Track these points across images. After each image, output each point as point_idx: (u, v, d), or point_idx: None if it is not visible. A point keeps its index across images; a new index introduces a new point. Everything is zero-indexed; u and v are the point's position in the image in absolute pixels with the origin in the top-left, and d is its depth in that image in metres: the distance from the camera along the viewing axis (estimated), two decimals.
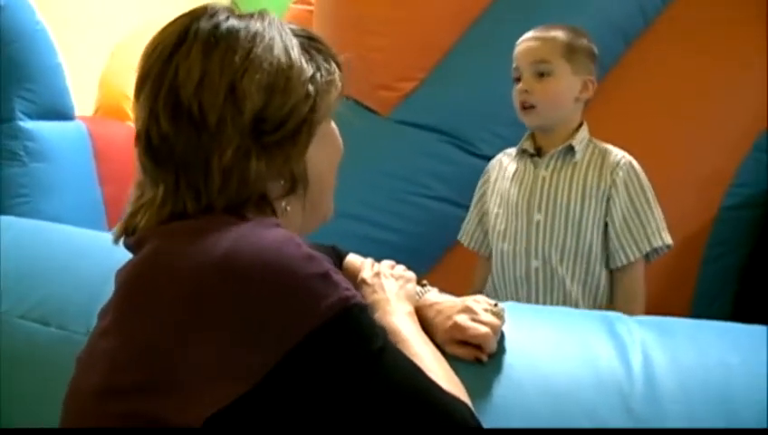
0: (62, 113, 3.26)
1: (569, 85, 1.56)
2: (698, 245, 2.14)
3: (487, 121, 2.01)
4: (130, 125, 3.82)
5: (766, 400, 0.81)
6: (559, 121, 1.59)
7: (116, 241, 0.83)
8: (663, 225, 1.54)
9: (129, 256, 1.12)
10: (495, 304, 0.92)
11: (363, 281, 1.00)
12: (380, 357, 0.71)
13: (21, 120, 3.02)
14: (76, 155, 3.29)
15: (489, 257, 1.68)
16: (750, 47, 2.11)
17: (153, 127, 0.79)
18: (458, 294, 1.27)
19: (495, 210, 1.65)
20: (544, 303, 1.54)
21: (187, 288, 0.70)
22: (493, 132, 2.00)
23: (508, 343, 0.91)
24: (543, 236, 1.54)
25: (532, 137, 1.65)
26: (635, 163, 1.56)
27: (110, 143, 3.51)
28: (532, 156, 1.62)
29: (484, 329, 0.88)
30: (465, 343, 0.89)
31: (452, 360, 0.87)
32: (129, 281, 0.76)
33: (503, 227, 1.62)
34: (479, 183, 1.74)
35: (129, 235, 0.81)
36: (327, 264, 0.72)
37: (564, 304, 1.52)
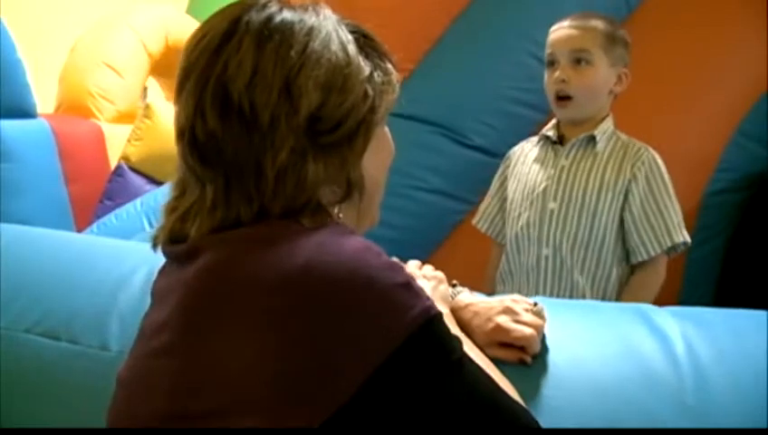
0: (24, 111, 3.14)
1: (605, 77, 1.55)
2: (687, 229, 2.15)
3: (479, 112, 2.00)
4: (94, 122, 3.71)
5: None
6: (592, 114, 1.58)
7: (155, 247, 0.77)
8: (682, 221, 1.54)
9: (142, 264, 1.08)
10: (535, 304, 0.90)
11: None
12: (461, 366, 0.69)
13: None
14: (40, 154, 3.19)
15: (504, 246, 1.67)
16: (733, 32, 2.13)
17: (199, 123, 0.73)
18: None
19: (512, 195, 1.64)
20: (551, 292, 1.54)
21: (266, 302, 0.65)
22: (485, 123, 1.99)
23: (549, 342, 0.89)
24: (556, 225, 1.54)
25: (557, 125, 1.63)
26: (658, 158, 1.56)
27: (75, 141, 3.41)
28: (554, 143, 1.61)
29: (528, 330, 0.87)
30: (507, 344, 0.87)
31: (494, 362, 0.85)
32: (189, 296, 0.70)
33: (517, 212, 1.61)
34: (500, 169, 1.72)
35: (177, 241, 0.75)
36: (407, 272, 0.69)
37: (571, 295, 1.52)
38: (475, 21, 2.02)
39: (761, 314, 0.96)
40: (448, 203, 1.93)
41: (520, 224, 1.60)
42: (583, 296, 1.51)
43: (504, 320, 0.88)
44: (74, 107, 3.77)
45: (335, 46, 0.75)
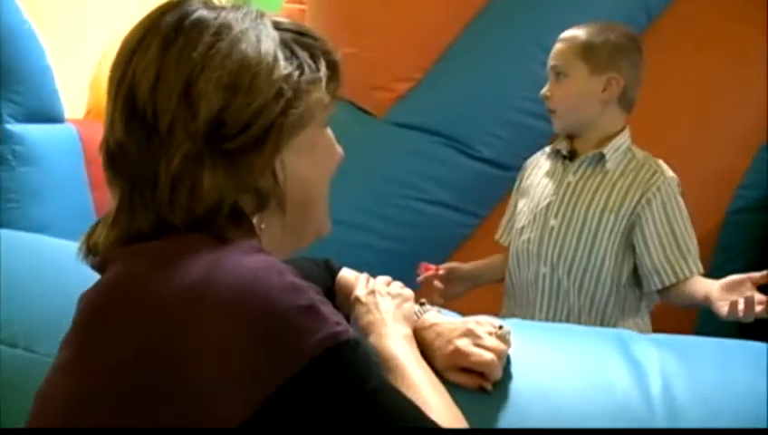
0: (52, 116, 3.18)
1: (585, 86, 1.50)
2: (707, 250, 2.06)
3: (486, 123, 1.95)
4: None
5: None
6: (585, 125, 1.52)
7: (80, 259, 0.75)
8: (697, 251, 1.46)
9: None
10: (500, 327, 0.84)
11: (357, 299, 0.92)
12: (376, 398, 0.63)
13: (8, 123, 2.96)
14: (66, 158, 3.22)
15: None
16: (758, 47, 2.04)
17: (110, 133, 0.71)
18: (460, 303, 1.19)
19: (520, 208, 1.60)
20: (548, 311, 1.48)
21: (154, 322, 0.62)
22: (492, 134, 1.94)
23: (515, 368, 0.83)
24: (554, 244, 1.48)
25: (570, 138, 1.57)
26: (674, 183, 1.48)
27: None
28: (564, 158, 1.56)
29: (488, 355, 0.80)
30: (467, 369, 0.82)
31: (453, 388, 0.80)
32: (89, 310, 0.68)
33: (520, 225, 1.57)
34: (517, 181, 1.68)
35: (93, 254, 0.73)
36: (314, 295, 0.64)
37: (568, 316, 1.45)
38: (484, 30, 1.97)
39: (756, 345, 0.89)
40: (453, 215, 1.88)
41: (522, 239, 1.55)
42: (579, 320, 1.43)
43: (465, 343, 0.82)
44: (103, 113, 3.82)
45: (246, 44, 0.70)
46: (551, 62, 1.53)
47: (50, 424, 0.66)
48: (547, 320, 1.49)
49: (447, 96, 1.98)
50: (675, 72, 2.08)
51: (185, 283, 0.62)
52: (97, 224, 0.73)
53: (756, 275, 1.28)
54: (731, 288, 1.27)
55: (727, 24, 2.08)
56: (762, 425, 0.74)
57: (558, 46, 1.53)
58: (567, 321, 1.47)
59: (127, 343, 0.63)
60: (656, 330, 1.54)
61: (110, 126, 0.71)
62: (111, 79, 0.73)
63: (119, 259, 0.69)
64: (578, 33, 1.52)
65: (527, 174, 1.63)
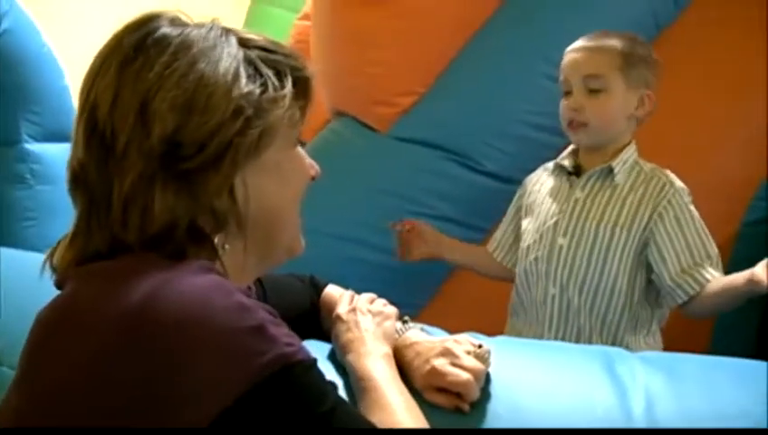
0: (69, 135, 3.21)
1: (624, 102, 1.42)
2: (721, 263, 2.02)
3: (491, 137, 1.92)
4: None
5: None
6: (609, 140, 1.45)
7: (42, 275, 0.75)
8: (718, 254, 1.40)
9: None
10: (480, 346, 0.82)
11: (338, 317, 0.91)
12: (328, 422, 0.62)
13: (27, 142, 3.02)
14: None
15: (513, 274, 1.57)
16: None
17: (74, 153, 0.73)
18: (463, 320, 1.17)
19: (525, 226, 1.55)
20: (557, 331, 1.43)
21: (95, 343, 0.62)
22: (497, 148, 1.91)
23: (494, 388, 0.81)
24: (564, 263, 1.43)
25: (574, 153, 1.51)
26: (684, 191, 1.42)
27: None
28: (570, 174, 1.49)
29: (465, 376, 0.78)
30: (444, 389, 0.80)
31: (430, 408, 0.78)
32: (41, 328, 0.69)
33: (526, 244, 1.51)
34: (516, 196, 1.62)
35: (54, 271, 0.74)
36: (263, 314, 0.63)
37: (578, 336, 1.41)
38: (488, 43, 1.95)
39: (745, 363, 0.86)
40: (456, 230, 1.85)
41: (529, 258, 1.50)
42: (590, 340, 1.39)
43: (442, 363, 0.80)
44: None
45: (204, 63, 0.70)
46: (578, 71, 1.42)
47: None
48: (556, 340, 1.45)
49: (450, 110, 1.96)
50: (687, 80, 2.04)
51: (129, 304, 0.62)
52: (58, 243, 0.74)
53: None
54: None
55: (738, 31, 2.03)
56: None
57: (587, 56, 1.43)
58: (577, 341, 1.42)
59: (71, 362, 0.63)
60: (670, 348, 1.49)
61: (75, 146, 0.72)
62: (79, 99, 0.74)
63: (74, 278, 0.70)
64: (611, 42, 1.43)
65: (527, 191, 1.58)
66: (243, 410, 0.59)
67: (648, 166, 1.47)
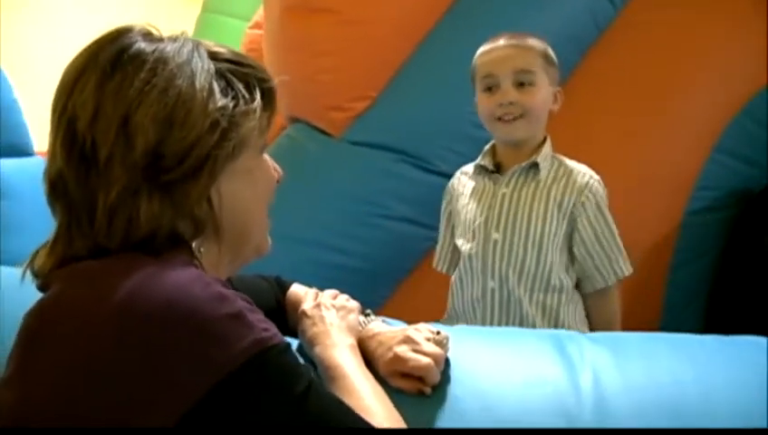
0: (21, 150, 3.20)
1: (546, 97, 1.50)
2: (666, 251, 2.11)
3: (443, 138, 1.98)
4: None
5: (720, 415, 0.78)
6: (536, 133, 1.52)
7: (23, 280, 0.77)
8: (624, 251, 1.50)
9: None
10: (438, 332, 0.88)
11: (303, 313, 0.96)
12: (304, 401, 0.66)
13: None
14: (38, 191, 3.21)
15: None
16: (710, 45, 2.10)
17: (52, 163, 0.75)
18: (422, 316, 1.22)
19: (455, 232, 1.59)
20: (499, 324, 1.48)
21: (84, 337, 0.65)
22: (449, 149, 1.97)
23: (453, 372, 0.86)
24: (501, 256, 1.48)
25: (492, 153, 1.57)
26: (600, 184, 1.50)
27: None
28: (491, 172, 1.55)
29: (425, 360, 0.84)
30: (407, 375, 0.85)
31: (395, 393, 0.83)
32: (29, 327, 0.71)
33: (459, 246, 1.56)
34: (443, 205, 1.66)
35: (36, 277, 0.76)
36: (241, 303, 0.67)
37: (521, 325, 1.47)
38: (436, 47, 2.01)
39: (681, 337, 0.93)
40: (415, 230, 1.91)
41: (463, 258, 1.54)
42: (533, 326, 1.46)
43: (403, 350, 0.85)
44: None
45: (181, 79, 0.74)
46: (508, 67, 1.48)
47: None
48: None
49: (404, 113, 2.01)
50: (626, 75, 2.13)
51: (115, 299, 0.65)
52: (38, 250, 0.76)
53: None
54: None
55: (680, 26, 2.12)
56: (682, 413, 0.78)
57: (516, 53, 1.49)
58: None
59: (61, 359, 0.66)
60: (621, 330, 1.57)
61: (52, 156, 0.75)
62: (53, 110, 0.76)
63: (58, 279, 0.72)
64: (534, 42, 1.52)
65: (452, 197, 1.62)
66: (226, 393, 0.63)
67: (565, 160, 1.54)
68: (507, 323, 1.47)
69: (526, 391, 0.83)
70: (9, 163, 3.11)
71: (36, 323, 0.71)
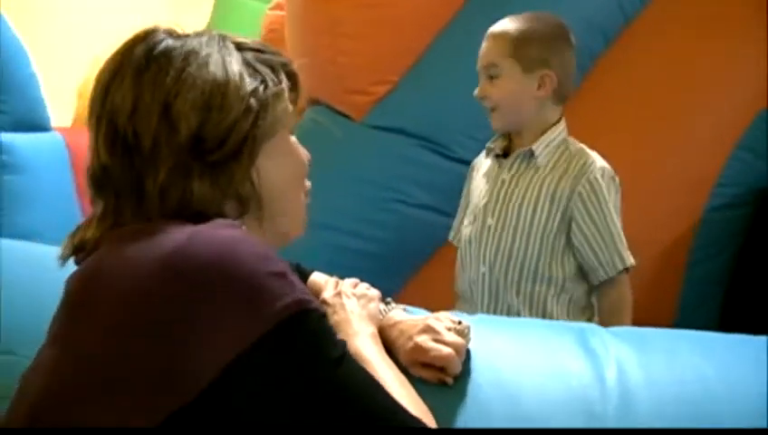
0: (38, 125, 3.21)
1: (521, 86, 1.47)
2: (683, 248, 2.10)
3: (464, 124, 1.97)
4: None
5: (742, 412, 0.78)
6: (526, 123, 1.51)
7: (64, 260, 0.80)
8: (625, 242, 1.47)
9: None
10: (459, 322, 0.87)
11: (324, 301, 0.95)
12: (339, 365, 0.69)
13: None
14: (53, 167, 3.24)
15: None
16: (733, 46, 2.08)
17: (95, 159, 0.78)
18: (440, 304, 1.22)
19: (468, 210, 1.61)
20: (488, 310, 1.48)
21: (128, 288, 0.68)
22: (469, 136, 1.95)
23: (474, 362, 0.86)
24: (491, 243, 1.49)
25: (507, 135, 1.56)
26: (605, 171, 1.47)
27: None
28: (498, 156, 1.55)
29: (446, 350, 0.83)
30: (428, 364, 0.84)
31: (417, 382, 0.82)
32: (73, 288, 0.75)
33: (464, 226, 1.58)
34: (465, 182, 1.68)
35: (80, 251, 0.79)
36: (285, 264, 0.70)
37: (508, 315, 1.46)
38: (460, 32, 1.99)
39: (701, 334, 0.92)
40: (433, 217, 1.91)
41: (464, 240, 1.56)
42: (518, 316, 1.45)
43: (424, 339, 0.85)
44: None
45: (213, 66, 0.78)
46: (480, 61, 1.50)
47: (37, 387, 0.71)
48: None
49: (424, 99, 2.00)
50: (652, 69, 2.11)
51: (163, 253, 0.69)
52: (80, 226, 0.79)
53: None
54: None
55: (703, 28, 2.10)
56: (706, 409, 0.77)
57: (486, 46, 1.50)
58: None
59: (111, 312, 0.69)
60: (635, 324, 1.55)
61: (95, 153, 0.79)
62: (91, 111, 0.80)
63: (104, 242, 0.76)
64: (506, 28, 1.49)
65: (471, 177, 1.63)
66: (266, 346, 0.66)
67: (575, 146, 1.51)
68: (495, 311, 1.47)
69: (549, 382, 0.83)
70: (23, 138, 3.12)
71: (84, 283, 0.74)
